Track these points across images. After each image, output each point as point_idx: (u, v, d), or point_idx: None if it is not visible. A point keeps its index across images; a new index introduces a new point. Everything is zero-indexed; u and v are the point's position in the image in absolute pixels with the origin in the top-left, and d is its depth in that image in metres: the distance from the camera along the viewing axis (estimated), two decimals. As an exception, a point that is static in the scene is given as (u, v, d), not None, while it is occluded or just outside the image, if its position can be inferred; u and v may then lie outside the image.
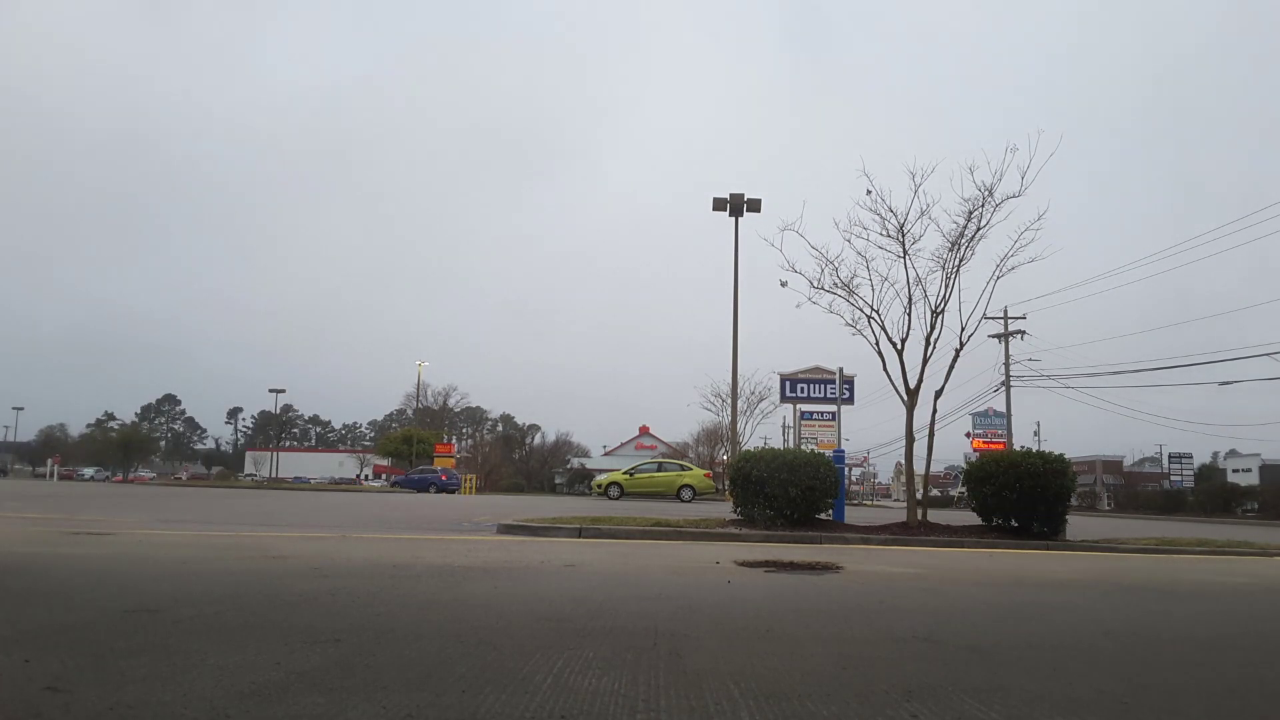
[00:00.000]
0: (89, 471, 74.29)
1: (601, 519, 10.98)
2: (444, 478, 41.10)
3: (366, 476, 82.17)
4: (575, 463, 75.71)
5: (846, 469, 13.41)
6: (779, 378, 20.04)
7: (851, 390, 17.11)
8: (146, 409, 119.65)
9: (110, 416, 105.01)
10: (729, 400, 29.24)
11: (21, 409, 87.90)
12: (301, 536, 8.10)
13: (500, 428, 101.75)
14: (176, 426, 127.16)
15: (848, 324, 12.28)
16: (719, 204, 23.11)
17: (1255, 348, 30.97)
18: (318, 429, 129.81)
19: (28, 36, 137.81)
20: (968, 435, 44.07)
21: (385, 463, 79.04)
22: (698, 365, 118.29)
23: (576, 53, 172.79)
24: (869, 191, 11.78)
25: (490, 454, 66.68)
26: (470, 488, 43.02)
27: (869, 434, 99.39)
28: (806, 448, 18.08)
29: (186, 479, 74.89)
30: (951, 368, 12.15)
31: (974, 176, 11.34)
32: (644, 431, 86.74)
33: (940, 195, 11.78)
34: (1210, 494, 40.45)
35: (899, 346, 11.80)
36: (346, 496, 27.67)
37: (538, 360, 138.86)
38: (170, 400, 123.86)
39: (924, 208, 11.63)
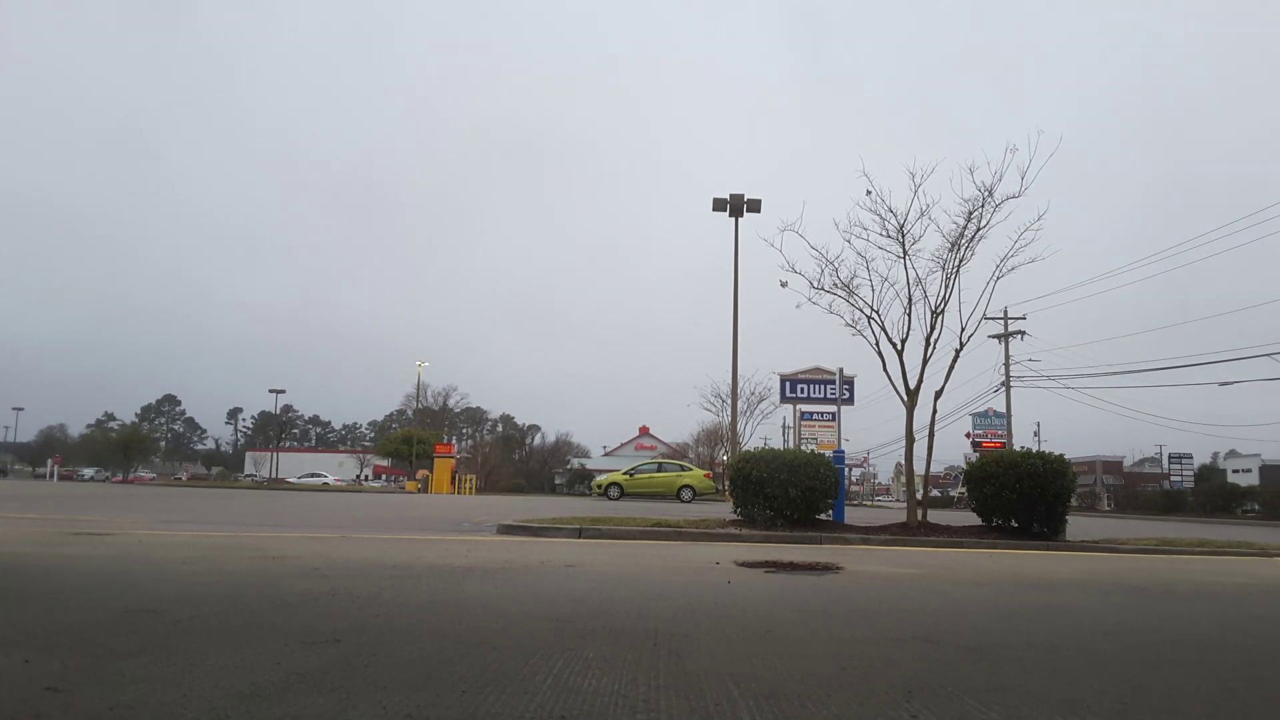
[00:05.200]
0: (89, 472, 74.30)
1: (601, 519, 10.97)
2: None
3: (366, 477, 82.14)
4: (575, 463, 75.70)
5: (846, 469, 13.41)
6: (779, 378, 20.05)
7: (851, 390, 17.10)
8: (146, 409, 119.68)
9: (110, 417, 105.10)
10: (729, 400, 29.28)
11: (21, 409, 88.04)
12: (301, 537, 8.10)
13: (500, 428, 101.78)
14: (176, 427, 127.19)
15: (848, 324, 12.30)
16: (719, 204, 23.15)
17: (1255, 348, 30.91)
18: (318, 429, 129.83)
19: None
20: (968, 435, 44.07)
21: (385, 463, 79.06)
22: (698, 365, 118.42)
23: (577, 55, 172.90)
24: (869, 192, 11.80)
25: (490, 454, 66.59)
26: (470, 488, 43.03)
27: (869, 434, 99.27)
28: (806, 448, 18.06)
29: (186, 479, 74.93)
30: (951, 368, 12.16)
31: (974, 177, 11.36)
32: (644, 432, 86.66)
33: (940, 196, 11.82)
34: (1210, 494, 40.41)
35: (899, 347, 11.81)
36: (346, 497, 27.68)
37: (538, 361, 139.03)
38: (170, 400, 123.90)
39: (924, 208, 11.65)
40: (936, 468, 35.83)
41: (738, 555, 7.26)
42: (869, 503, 59.81)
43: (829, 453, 13.14)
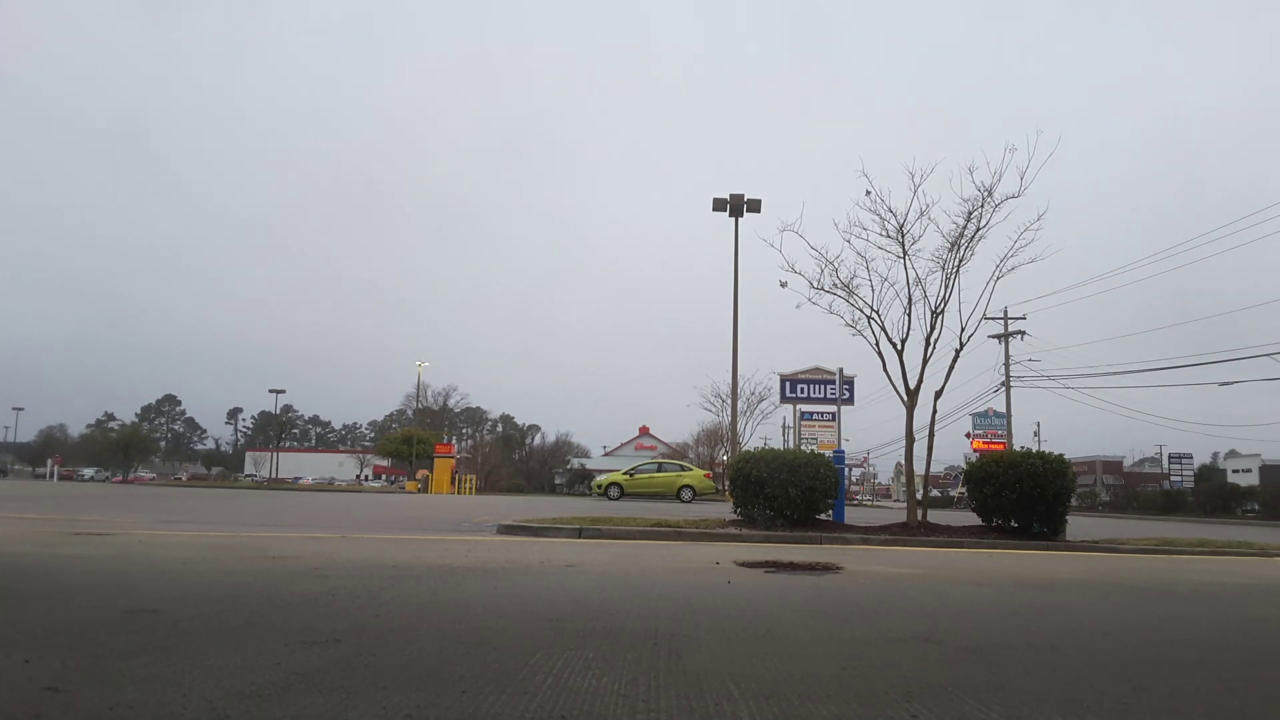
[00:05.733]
0: (89, 472, 74.32)
1: (601, 519, 10.97)
2: None
3: (366, 477, 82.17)
4: (575, 463, 75.71)
5: (846, 469, 13.41)
6: (779, 378, 20.03)
7: (851, 391, 17.09)
8: (146, 409, 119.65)
9: (110, 417, 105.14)
10: (729, 400, 29.29)
11: (21, 409, 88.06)
12: (301, 537, 8.10)
13: (500, 428, 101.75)
14: (176, 427, 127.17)
15: (848, 324, 12.30)
16: (719, 204, 23.15)
17: (1255, 348, 30.93)
18: (318, 429, 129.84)
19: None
20: (968, 435, 44.06)
21: (385, 463, 79.06)
22: (698, 365, 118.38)
23: (575, 50, 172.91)
24: (868, 192, 11.80)
25: (490, 454, 66.62)
26: (470, 488, 43.03)
27: (869, 434, 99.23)
28: (806, 448, 18.05)
29: (187, 479, 74.98)
30: (951, 368, 12.16)
31: (973, 177, 11.36)
32: (644, 432, 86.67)
33: (940, 196, 11.79)
34: (1210, 494, 40.44)
35: (899, 347, 11.81)
36: (346, 497, 27.69)
37: (538, 361, 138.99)
38: (170, 400, 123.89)
39: (923, 208, 11.64)
40: (936, 468, 35.81)
41: (738, 555, 7.26)
42: (869, 503, 59.81)
43: (829, 453, 13.13)
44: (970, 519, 12.20)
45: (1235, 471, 60.48)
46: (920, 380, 11.77)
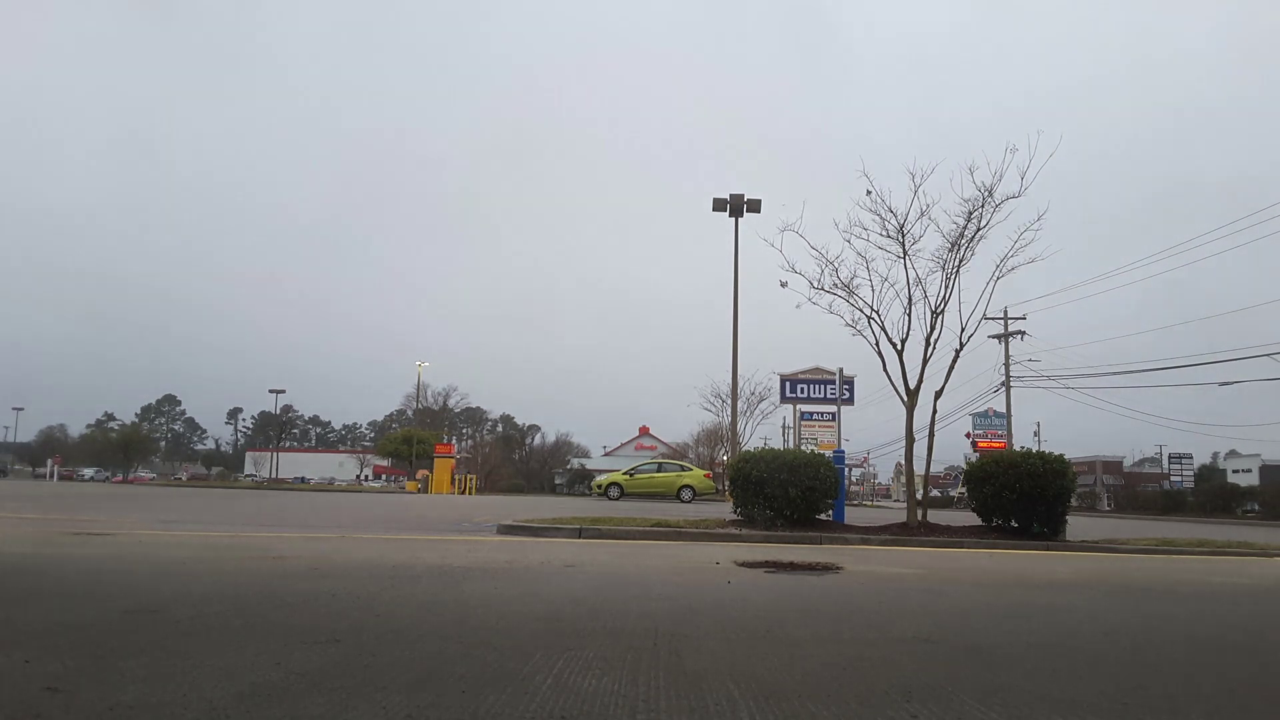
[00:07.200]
0: (89, 472, 74.34)
1: (601, 519, 10.97)
2: None
3: (366, 477, 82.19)
4: (575, 463, 75.69)
5: (846, 469, 13.41)
6: (779, 378, 20.05)
7: (851, 391, 17.10)
8: (146, 409, 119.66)
9: (110, 417, 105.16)
10: (729, 401, 29.28)
11: (21, 409, 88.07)
12: (301, 537, 8.10)
13: (500, 428, 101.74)
14: (176, 427, 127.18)
15: (848, 324, 12.29)
16: (719, 204, 23.14)
17: (1255, 348, 30.94)
18: (318, 429, 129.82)
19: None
20: (968, 435, 44.05)
21: (385, 463, 79.08)
22: (698, 365, 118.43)
23: (577, 51, 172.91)
24: (869, 192, 11.80)
25: (490, 454, 66.56)
26: (470, 488, 43.03)
27: (869, 434, 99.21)
28: (806, 448, 18.05)
29: (187, 480, 75.00)
30: (951, 368, 12.16)
31: (974, 177, 11.35)
32: (644, 432, 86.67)
33: (940, 196, 11.78)
34: (1210, 494, 40.41)
35: (899, 347, 11.80)
36: (346, 497, 27.69)
37: (538, 360, 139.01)
38: (170, 400, 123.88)
39: (924, 208, 11.64)
40: (936, 468, 35.79)
41: (738, 555, 7.26)
42: (869, 503, 59.76)
43: (829, 453, 13.13)
44: (970, 519, 12.20)
45: (1235, 471, 60.46)
46: (920, 380, 11.77)
